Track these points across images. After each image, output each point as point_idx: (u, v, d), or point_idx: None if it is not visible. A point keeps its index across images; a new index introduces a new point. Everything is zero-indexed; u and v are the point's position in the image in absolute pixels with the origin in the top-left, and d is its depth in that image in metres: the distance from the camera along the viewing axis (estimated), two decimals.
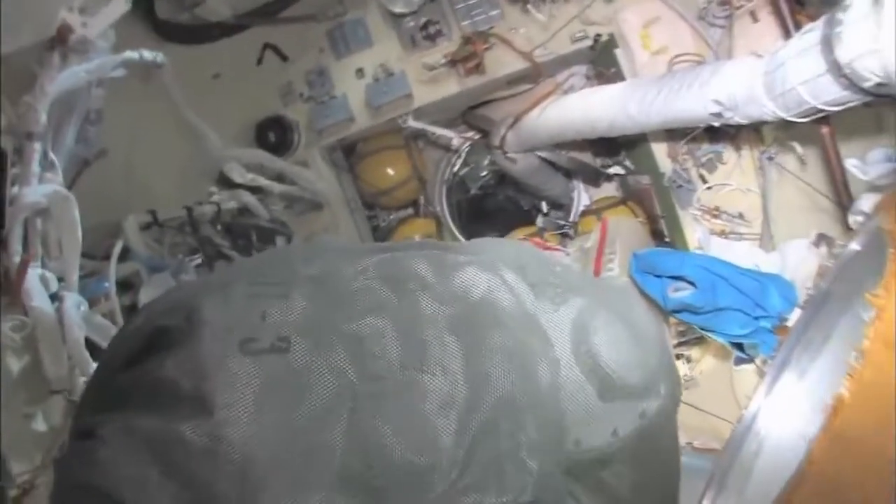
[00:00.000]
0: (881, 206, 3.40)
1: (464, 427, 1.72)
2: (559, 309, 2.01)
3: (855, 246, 3.38)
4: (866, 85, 3.20)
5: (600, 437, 1.92)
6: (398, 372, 1.78)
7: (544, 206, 8.05)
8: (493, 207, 8.64)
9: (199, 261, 5.22)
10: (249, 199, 5.71)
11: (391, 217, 7.50)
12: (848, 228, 4.24)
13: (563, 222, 7.32)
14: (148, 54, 4.53)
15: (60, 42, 3.74)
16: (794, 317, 4.05)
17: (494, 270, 1.98)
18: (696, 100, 4.37)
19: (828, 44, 3.26)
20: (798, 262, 4.57)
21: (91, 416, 1.78)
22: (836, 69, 3.25)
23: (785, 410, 3.67)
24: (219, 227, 5.60)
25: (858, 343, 2.46)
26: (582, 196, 7.78)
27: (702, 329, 4.41)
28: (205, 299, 1.83)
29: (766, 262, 4.75)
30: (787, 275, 4.51)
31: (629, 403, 1.96)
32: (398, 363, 1.78)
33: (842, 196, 4.38)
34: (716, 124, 4.48)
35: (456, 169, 8.16)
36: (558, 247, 5.56)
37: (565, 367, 1.92)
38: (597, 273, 5.12)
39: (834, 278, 3.66)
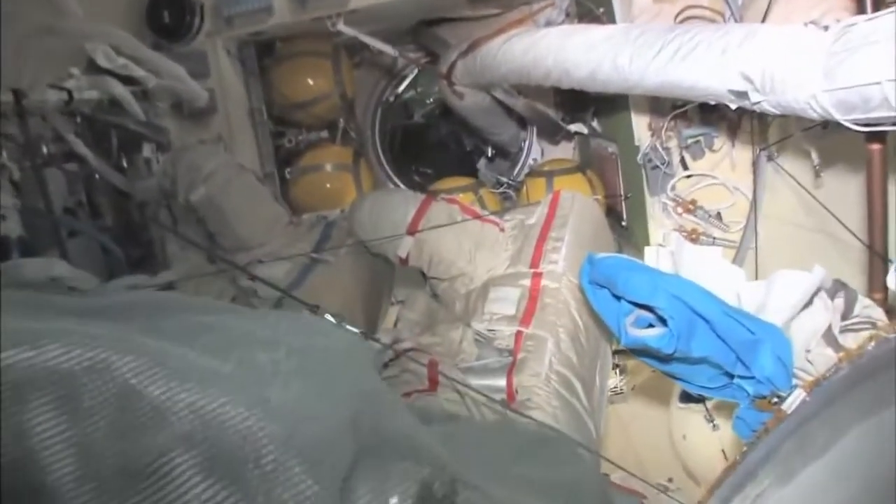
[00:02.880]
0: None
1: None
2: None
3: None
4: None
5: None
6: None
7: (489, 151, 6.79)
8: (432, 141, 7.66)
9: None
10: (119, 90, 4.19)
11: (301, 138, 6.06)
12: (878, 284, 3.03)
13: (505, 179, 6.00)
14: None
15: None
16: (792, 396, 2.83)
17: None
18: (715, 67, 3.05)
19: None
20: (793, 304, 3.33)
21: None
22: None
23: None
24: (78, 120, 4.15)
25: None
26: (533, 149, 6.53)
27: (663, 373, 3.21)
28: None
29: (747, 293, 3.49)
30: (769, 315, 3.28)
31: None
32: None
33: (874, 236, 3.12)
34: (731, 105, 3.16)
35: (400, 90, 6.84)
36: (493, 217, 4.22)
37: None
38: (534, 263, 3.84)
39: (868, 366, 2.48)
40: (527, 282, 3.71)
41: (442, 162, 7.37)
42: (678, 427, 4.35)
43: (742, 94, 3.01)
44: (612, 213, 5.17)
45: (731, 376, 3.09)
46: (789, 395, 2.88)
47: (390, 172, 6.94)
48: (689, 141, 4.42)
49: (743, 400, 3.13)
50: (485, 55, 4.79)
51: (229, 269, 3.48)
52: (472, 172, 6.77)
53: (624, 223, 5.07)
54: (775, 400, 2.89)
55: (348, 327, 2.93)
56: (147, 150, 4.38)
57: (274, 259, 3.78)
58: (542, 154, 6.51)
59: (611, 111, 4.92)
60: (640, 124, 4.50)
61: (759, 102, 2.97)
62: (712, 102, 3.30)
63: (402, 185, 6.86)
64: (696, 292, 3.01)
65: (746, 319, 2.98)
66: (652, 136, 4.45)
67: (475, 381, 3.33)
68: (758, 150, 4.22)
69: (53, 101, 3.81)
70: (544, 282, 3.68)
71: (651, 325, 3.05)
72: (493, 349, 3.45)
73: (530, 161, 6.53)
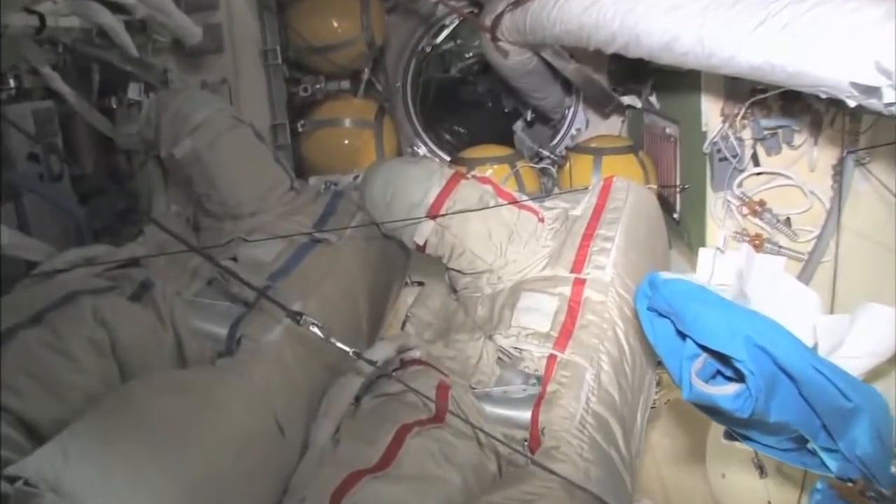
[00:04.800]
0: None
1: None
2: None
3: None
4: None
5: None
6: None
7: (528, 115, 6.07)
8: (469, 98, 7.02)
9: None
10: (107, 18, 3.48)
11: (318, 86, 5.32)
12: None
13: (546, 153, 5.24)
14: None
15: None
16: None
17: None
18: (837, 52, 2.30)
19: None
20: (879, 352, 2.63)
21: None
22: None
23: None
24: (61, 50, 3.48)
25: None
26: (578, 118, 5.78)
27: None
28: None
29: (825, 327, 2.78)
30: (844, 360, 2.58)
31: None
32: None
33: None
34: (850, 102, 2.41)
35: (438, 41, 6.14)
36: (531, 204, 3.49)
37: None
38: (577, 267, 3.13)
39: None
40: (566, 290, 3.00)
41: (477, 122, 6.77)
42: (718, 463, 3.66)
43: (871, 91, 2.26)
44: (662, 203, 4.44)
45: (806, 440, 2.41)
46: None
47: (419, 128, 6.26)
48: (765, 132, 3.70)
49: (818, 470, 2.46)
50: (537, 10, 4.05)
51: (203, 250, 2.81)
52: (509, 137, 6.06)
53: (676, 216, 4.34)
54: (871, 494, 2.19)
55: (338, 344, 2.27)
56: (134, 91, 3.68)
57: (264, 238, 3.08)
58: (587, 125, 5.78)
59: (675, 87, 4.15)
60: (710, 108, 3.75)
61: (893, 104, 2.22)
62: (823, 96, 2.54)
63: (430, 144, 6.20)
64: (780, 339, 2.30)
65: (841, 379, 2.28)
66: (723, 122, 3.71)
67: (493, 411, 2.68)
68: (845, 152, 3.50)
69: (18, 25, 3.11)
70: (587, 292, 2.98)
71: (719, 373, 2.37)
72: (519, 372, 2.77)
73: (572, 131, 5.82)
